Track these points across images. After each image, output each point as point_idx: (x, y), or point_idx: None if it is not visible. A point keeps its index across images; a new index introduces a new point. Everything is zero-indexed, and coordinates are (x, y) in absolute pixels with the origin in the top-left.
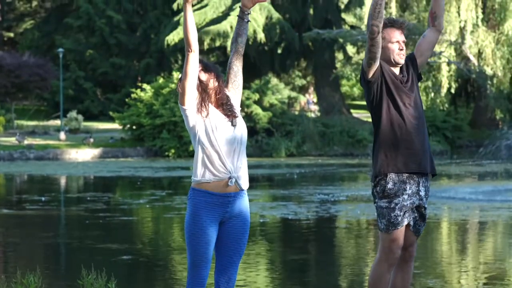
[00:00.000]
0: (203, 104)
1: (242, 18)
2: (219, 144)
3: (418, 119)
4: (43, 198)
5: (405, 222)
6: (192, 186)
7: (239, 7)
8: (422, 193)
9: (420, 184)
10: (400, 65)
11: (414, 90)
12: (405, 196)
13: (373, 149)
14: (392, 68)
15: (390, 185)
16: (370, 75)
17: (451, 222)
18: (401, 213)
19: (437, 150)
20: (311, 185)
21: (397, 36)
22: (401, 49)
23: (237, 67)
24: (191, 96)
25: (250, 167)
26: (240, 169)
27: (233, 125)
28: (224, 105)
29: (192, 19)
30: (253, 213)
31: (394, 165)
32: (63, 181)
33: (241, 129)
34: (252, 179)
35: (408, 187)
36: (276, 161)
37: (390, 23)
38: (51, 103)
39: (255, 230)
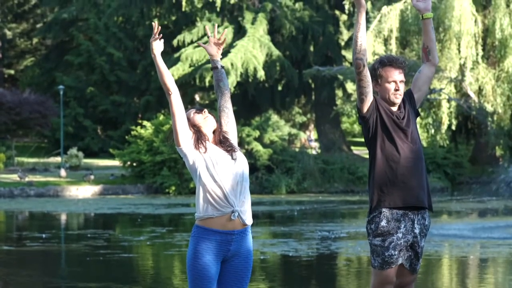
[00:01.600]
0: (199, 141)
1: (215, 66)
2: (221, 178)
3: (415, 154)
4: (43, 235)
5: (400, 261)
6: (196, 223)
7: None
8: (417, 231)
9: (415, 222)
10: (397, 105)
11: (411, 126)
12: (399, 235)
13: (368, 184)
14: (388, 105)
15: (383, 223)
16: (365, 110)
17: (451, 259)
18: (396, 252)
19: (438, 186)
20: (311, 222)
21: (395, 75)
22: (397, 90)
23: (227, 109)
24: (185, 135)
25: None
26: (244, 204)
27: (233, 159)
28: (222, 142)
29: (163, 65)
30: (254, 250)
31: (391, 199)
32: (63, 218)
33: (242, 164)
34: (253, 216)
35: (402, 225)
36: (276, 198)
37: (389, 62)
38: (52, 140)
39: (255, 267)
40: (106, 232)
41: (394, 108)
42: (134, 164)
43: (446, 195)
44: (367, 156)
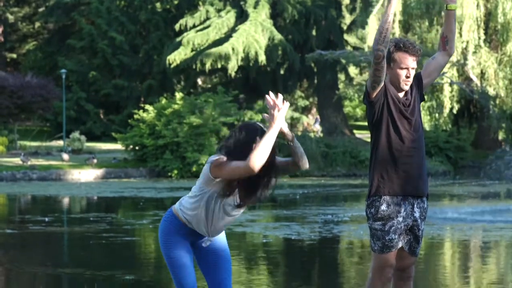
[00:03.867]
0: (226, 188)
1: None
2: (213, 216)
3: (417, 143)
4: (46, 219)
5: (400, 245)
6: (173, 210)
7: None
8: (417, 214)
9: (415, 205)
10: (404, 91)
11: (415, 114)
12: (400, 219)
13: (369, 168)
14: (396, 91)
15: (384, 207)
16: (373, 96)
17: (454, 243)
18: (396, 236)
19: (440, 170)
20: (314, 205)
21: (408, 62)
22: (408, 77)
23: (288, 171)
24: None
25: None
26: (219, 233)
27: (234, 209)
28: (238, 196)
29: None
30: (256, 234)
31: (390, 187)
32: (66, 202)
33: (238, 214)
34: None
35: (402, 209)
36: (278, 181)
37: (405, 48)
38: (54, 124)
39: (257, 250)
40: (109, 215)
41: (401, 94)
42: (137, 147)
43: (448, 178)
44: (369, 140)
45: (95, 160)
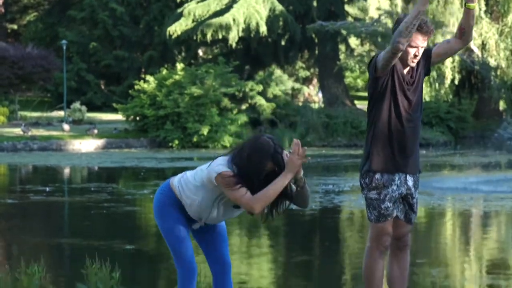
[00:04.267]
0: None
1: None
2: (210, 213)
3: (415, 123)
4: (47, 189)
5: (395, 213)
6: (170, 185)
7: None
8: (410, 183)
9: (408, 174)
10: (410, 67)
11: (417, 93)
12: (394, 187)
13: (366, 140)
14: (402, 66)
15: (378, 176)
16: (380, 74)
17: (454, 213)
18: (391, 204)
19: (441, 140)
20: (315, 176)
21: (418, 41)
22: (416, 55)
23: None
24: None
25: None
26: (216, 223)
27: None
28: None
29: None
30: None
31: (385, 164)
32: (66, 172)
33: (240, 211)
34: None
35: (396, 178)
36: None
37: (419, 27)
38: (55, 94)
39: (257, 221)
40: (110, 185)
41: (406, 70)
42: (137, 118)
43: (449, 149)
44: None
45: (95, 131)
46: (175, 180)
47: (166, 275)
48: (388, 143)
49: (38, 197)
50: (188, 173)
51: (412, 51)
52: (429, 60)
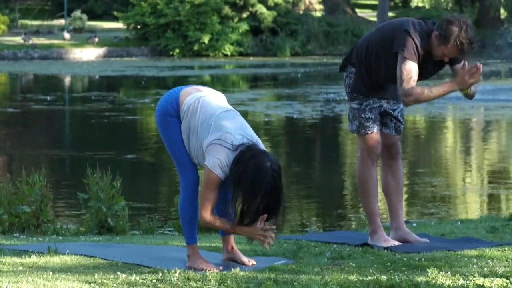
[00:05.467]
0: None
1: None
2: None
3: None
4: (48, 97)
5: (376, 127)
6: (179, 97)
7: None
8: (390, 100)
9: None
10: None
11: (428, 76)
12: (375, 99)
13: (356, 72)
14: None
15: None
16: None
17: (455, 121)
18: (372, 116)
19: None
20: (315, 84)
21: (451, 55)
22: (444, 60)
23: None
24: None
25: (254, 66)
26: None
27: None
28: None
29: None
30: (258, 112)
31: (371, 96)
32: (67, 80)
33: None
34: (257, 78)
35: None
36: (280, 60)
37: (464, 49)
38: (55, 2)
39: (260, 129)
40: (111, 94)
41: (431, 63)
42: (138, 26)
43: None
44: (372, 19)
45: (96, 39)
46: (187, 98)
47: (167, 183)
48: (376, 88)
49: (39, 105)
50: (201, 110)
51: (444, 57)
52: (448, 64)
